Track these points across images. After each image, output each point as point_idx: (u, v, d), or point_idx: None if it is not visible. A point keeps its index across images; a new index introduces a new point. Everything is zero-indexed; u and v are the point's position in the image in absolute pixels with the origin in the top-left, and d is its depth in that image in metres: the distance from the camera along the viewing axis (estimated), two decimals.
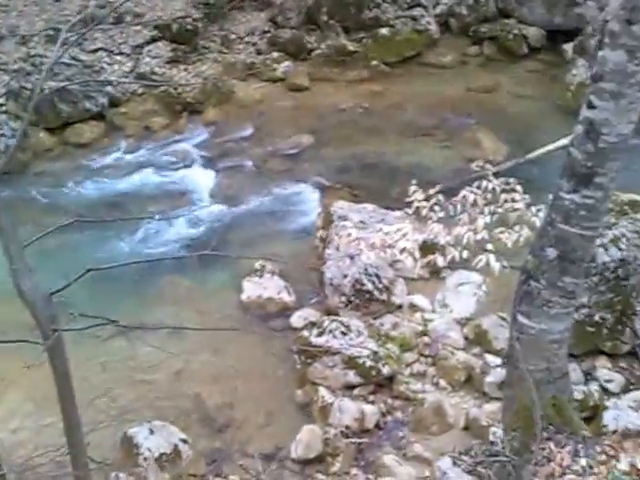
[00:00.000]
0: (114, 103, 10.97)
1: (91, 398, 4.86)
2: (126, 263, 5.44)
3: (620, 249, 6.15)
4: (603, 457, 3.20)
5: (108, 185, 9.63)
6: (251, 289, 7.40)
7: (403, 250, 5.15)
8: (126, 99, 11.06)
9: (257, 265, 7.58)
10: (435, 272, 7.27)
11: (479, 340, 6.45)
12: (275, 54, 12.19)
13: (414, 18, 12.54)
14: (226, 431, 6.17)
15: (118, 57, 11.66)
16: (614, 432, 4.81)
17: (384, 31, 12.37)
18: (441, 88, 11.47)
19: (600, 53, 3.28)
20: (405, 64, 12.25)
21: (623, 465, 3.05)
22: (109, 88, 10.90)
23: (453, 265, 6.45)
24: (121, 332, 6.00)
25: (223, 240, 8.31)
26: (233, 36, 12.55)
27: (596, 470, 3.10)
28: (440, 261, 5.39)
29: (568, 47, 11.70)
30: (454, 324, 6.64)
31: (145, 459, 5.62)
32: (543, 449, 3.35)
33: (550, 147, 8.81)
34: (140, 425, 5.83)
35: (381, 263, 6.88)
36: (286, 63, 12.00)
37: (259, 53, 12.35)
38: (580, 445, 3.35)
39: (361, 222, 7.58)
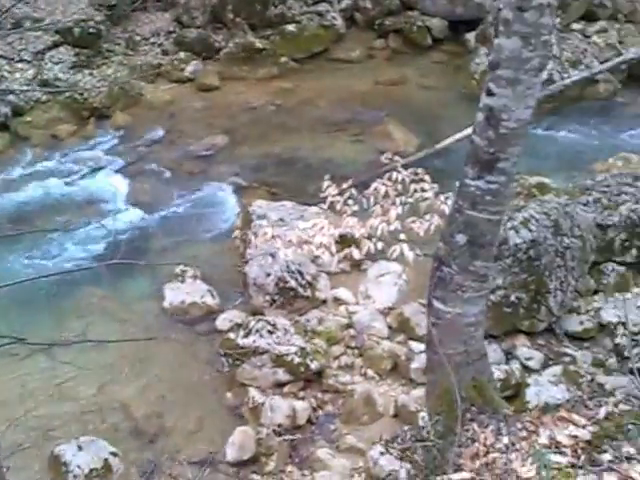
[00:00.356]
0: (18, 112, 10.54)
1: (11, 419, 4.68)
2: (34, 277, 5.26)
3: (530, 230, 6.39)
4: (524, 433, 3.33)
5: (14, 198, 9.24)
6: (173, 295, 7.28)
7: (320, 245, 5.19)
8: (30, 107, 10.64)
9: (178, 270, 7.46)
10: (356, 265, 7.36)
11: (402, 328, 6.58)
12: (182, 54, 12.02)
13: (320, 14, 12.64)
14: (157, 441, 6.05)
15: (19, 64, 11.20)
16: (536, 408, 4.99)
17: (291, 27, 12.41)
18: (350, 82, 11.61)
19: (496, 41, 3.38)
20: (314, 60, 12.34)
21: (543, 439, 3.18)
22: (11, 97, 10.47)
23: (372, 256, 6.57)
24: (41, 349, 5.81)
25: (141, 247, 8.13)
26: (138, 38, 12.28)
27: (518, 446, 3.22)
28: (356, 254, 5.50)
29: (470, 36, 12.08)
30: (378, 314, 6.74)
31: (75, 476, 5.45)
32: (467, 430, 3.45)
33: (458, 136, 9.06)
34: (67, 442, 5.65)
35: (303, 259, 6.91)
36: (194, 63, 11.86)
37: (166, 54, 12.14)
38: (502, 423, 3.47)
39: (281, 220, 7.59)
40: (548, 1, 3.11)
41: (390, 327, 6.67)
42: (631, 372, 5.75)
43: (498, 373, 5.85)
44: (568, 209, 6.74)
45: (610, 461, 2.90)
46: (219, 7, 12.43)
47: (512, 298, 6.30)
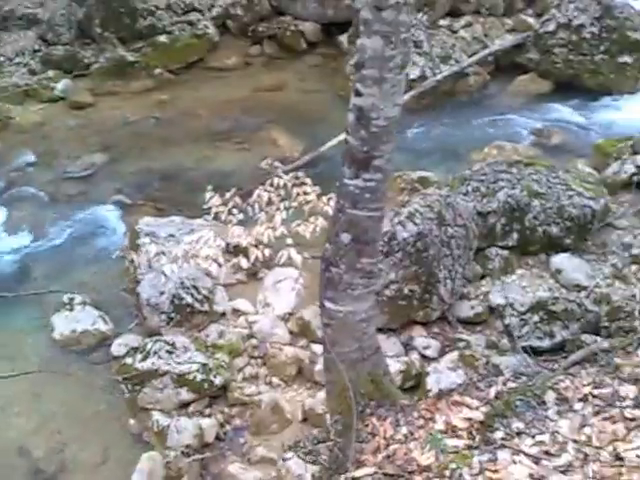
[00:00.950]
0: None
1: None
2: None
3: (416, 224, 6.57)
4: (421, 421, 3.44)
5: None
6: (62, 325, 6.96)
7: (207, 258, 5.12)
8: None
9: (65, 299, 7.14)
10: (253, 274, 7.33)
11: (304, 332, 6.60)
12: (51, 73, 11.53)
13: (191, 23, 12.49)
14: (59, 479, 5.77)
15: None
16: (432, 394, 5.15)
17: (163, 38, 12.19)
18: (229, 91, 11.54)
19: (359, 41, 3.45)
20: (190, 70, 12.18)
21: (440, 425, 3.29)
22: None
23: (267, 264, 6.55)
24: None
25: (22, 277, 7.73)
26: (1, 58, 11.67)
27: (416, 435, 3.32)
28: (244, 263, 5.46)
29: (343, 39, 12.29)
30: (278, 321, 6.73)
31: None
32: (367, 425, 3.52)
33: (340, 137, 9.19)
34: None
35: (199, 274, 6.79)
36: (64, 81, 11.40)
37: (33, 73, 11.61)
38: (400, 414, 3.57)
39: (171, 235, 7.43)
40: (405, 0, 3.20)
41: (291, 332, 6.67)
42: (524, 350, 6.08)
43: (399, 365, 6.00)
44: (450, 200, 6.98)
45: (502, 438, 3.03)
46: (85, 22, 12.02)
47: (405, 291, 6.45)
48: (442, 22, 12.46)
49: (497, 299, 6.68)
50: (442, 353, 6.30)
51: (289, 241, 5.27)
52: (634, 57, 10.94)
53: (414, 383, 5.95)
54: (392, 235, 6.54)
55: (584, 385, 3.03)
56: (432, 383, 5.73)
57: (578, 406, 2.93)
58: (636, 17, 11.15)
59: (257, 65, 12.54)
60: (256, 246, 5.22)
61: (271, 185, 5.41)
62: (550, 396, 3.03)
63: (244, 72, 12.30)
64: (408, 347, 6.40)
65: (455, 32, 12.38)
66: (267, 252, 5.22)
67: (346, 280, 3.75)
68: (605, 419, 2.73)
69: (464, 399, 3.47)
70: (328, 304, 3.88)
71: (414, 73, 11.25)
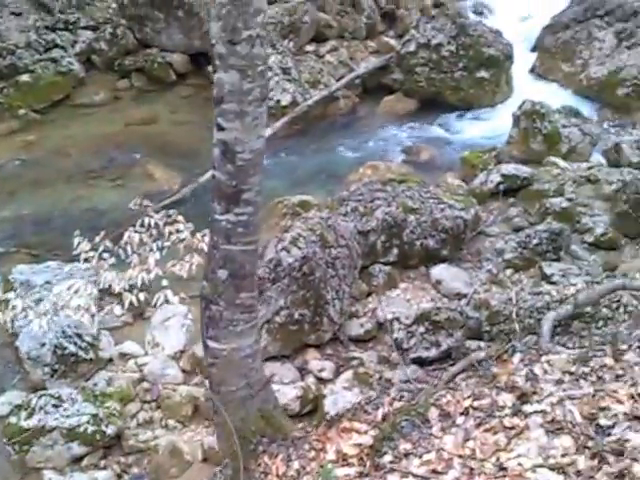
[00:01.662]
0: None
1: None
2: None
3: (300, 248, 6.64)
4: (312, 453, 3.43)
5: None
6: None
7: (77, 308, 4.91)
8: None
9: None
10: (139, 314, 7.13)
11: (197, 369, 6.48)
12: None
13: (54, 60, 12.09)
14: None
15: None
16: (327, 424, 5.18)
17: (25, 77, 11.73)
18: (100, 127, 11.25)
19: (216, 76, 3.45)
20: (56, 108, 11.77)
21: (331, 454, 3.30)
22: None
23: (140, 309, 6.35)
24: None
25: None
26: None
27: (308, 468, 3.31)
28: (117, 310, 5.26)
29: (211, 69, 12.28)
30: (169, 361, 6.58)
31: None
32: (259, 465, 3.48)
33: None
34: None
35: (81, 320, 6.51)
36: None
37: None
38: (291, 449, 3.55)
39: (47, 282, 7.11)
40: (257, 32, 3.22)
41: (184, 371, 6.53)
42: (414, 362, 6.26)
43: (296, 391, 6.02)
44: (330, 222, 7.11)
45: (391, 462, 3.07)
46: None
47: (296, 316, 6.49)
48: (308, 48, 12.75)
49: (384, 314, 6.84)
50: (337, 374, 6.37)
51: (165, 282, 5.14)
52: (490, 72, 11.64)
53: (312, 407, 5.98)
54: (277, 261, 6.58)
55: (464, 398, 3.12)
56: (329, 405, 5.77)
57: (460, 420, 2.99)
58: (489, 34, 11.89)
59: (127, 99, 12.30)
60: (130, 291, 5.04)
61: (142, 225, 5.25)
62: (433, 413, 3.10)
63: (114, 107, 12.03)
64: (303, 371, 6.43)
65: (322, 57, 12.71)
66: (142, 296, 5.05)
67: (227, 317, 3.71)
68: (486, 430, 2.82)
69: (353, 424, 3.50)
70: (211, 343, 3.82)
71: (285, 99, 11.44)
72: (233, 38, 3.24)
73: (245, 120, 3.37)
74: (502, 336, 5.99)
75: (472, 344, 6.17)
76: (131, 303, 5.07)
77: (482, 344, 6.09)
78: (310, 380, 6.30)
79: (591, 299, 5.17)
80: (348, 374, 6.23)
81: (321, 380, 6.33)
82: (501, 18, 13.87)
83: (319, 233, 6.86)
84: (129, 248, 5.20)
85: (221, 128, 3.46)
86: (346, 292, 6.88)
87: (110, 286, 5.34)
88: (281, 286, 6.51)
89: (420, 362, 6.31)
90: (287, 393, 5.95)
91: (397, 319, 6.67)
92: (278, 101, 11.40)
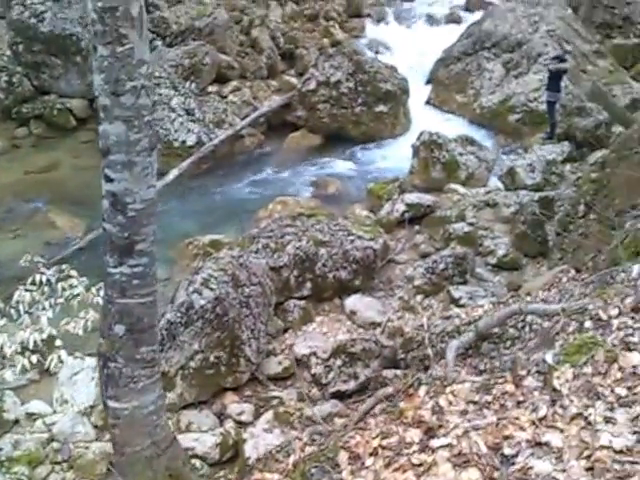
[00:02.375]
0: None
1: None
2: None
3: (212, 289, 6.55)
4: None
5: None
6: None
7: None
8: None
9: None
10: (45, 370, 6.79)
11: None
12: None
13: None
14: None
15: None
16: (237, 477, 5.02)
17: None
18: None
19: (100, 127, 3.37)
20: None
21: None
22: None
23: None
24: None
25: None
26: None
27: None
28: (9, 375, 4.92)
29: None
30: (80, 417, 6.27)
31: None
32: None
33: None
34: None
35: None
36: None
37: None
38: None
39: None
40: (142, 83, 3.17)
41: (96, 427, 6.24)
42: (333, 396, 6.23)
43: (214, 438, 5.87)
44: (242, 260, 7.07)
45: None
46: None
47: (211, 359, 6.37)
48: (211, 89, 12.80)
49: (301, 350, 6.82)
50: (257, 415, 6.25)
51: (59, 342, 4.88)
52: (389, 106, 12.03)
53: (232, 453, 5.83)
54: (189, 304, 6.46)
55: (373, 437, 3.08)
56: (250, 449, 5.64)
57: (369, 461, 2.92)
58: (385, 70, 12.30)
59: (26, 147, 11.94)
60: (22, 353, 4.74)
61: (33, 283, 4.97)
62: (343, 456, 3.03)
63: (12, 155, 11.64)
64: (222, 416, 6.28)
65: (225, 97, 12.78)
66: (35, 358, 4.75)
67: (127, 374, 3.51)
68: (395, 470, 2.77)
69: (264, 475, 3.40)
70: (111, 403, 3.62)
71: (190, 140, 11.42)
72: (117, 90, 3.17)
73: (134, 170, 3.28)
74: (417, 362, 6.08)
75: (388, 373, 6.23)
76: (23, 367, 4.74)
77: (398, 372, 6.16)
78: (229, 425, 6.14)
79: (491, 325, 5.33)
80: (268, 415, 6.13)
81: (241, 424, 6.18)
82: (396, 54, 14.42)
83: (231, 273, 6.80)
84: (20, 307, 4.89)
85: (109, 179, 3.35)
86: (262, 330, 6.82)
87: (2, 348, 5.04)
88: (194, 329, 6.39)
89: (340, 396, 6.31)
90: (206, 441, 5.80)
91: (314, 354, 6.66)
92: (183, 142, 11.37)
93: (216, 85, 12.93)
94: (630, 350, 2.96)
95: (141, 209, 3.32)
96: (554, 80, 10.81)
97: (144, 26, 3.16)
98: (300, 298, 7.52)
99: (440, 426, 2.94)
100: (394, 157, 11.43)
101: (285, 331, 7.26)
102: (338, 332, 7.14)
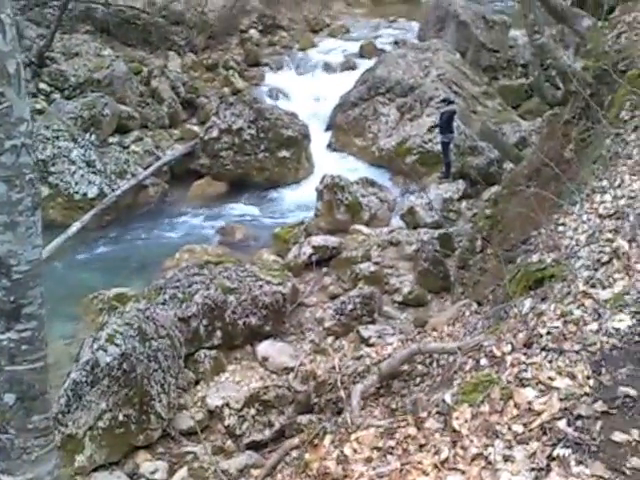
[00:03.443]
0: None
1: None
2: None
3: (118, 345, 6.38)
4: None
5: None
6: None
7: None
8: None
9: None
10: None
11: None
12: None
13: None
14: None
15: None
16: None
17: None
18: None
19: None
20: None
21: None
22: None
23: None
24: None
25: None
26: None
27: None
28: None
29: None
30: None
31: None
32: None
33: None
34: None
35: None
36: None
37: None
38: None
39: None
40: (22, 141, 3.13)
41: None
42: (248, 447, 6.15)
43: None
44: (149, 313, 6.94)
45: None
46: None
47: (120, 417, 6.18)
48: (112, 139, 12.63)
49: (214, 401, 6.73)
50: (172, 472, 6.09)
51: None
52: (291, 151, 12.25)
53: None
54: (95, 362, 6.26)
55: None
56: None
57: None
58: (286, 116, 12.55)
59: None
60: None
61: None
62: None
63: None
64: (135, 476, 6.08)
65: (127, 147, 12.63)
66: None
67: (19, 445, 3.34)
68: None
69: None
70: (4, 477, 3.45)
71: (92, 192, 11.21)
72: None
73: (17, 231, 3.18)
74: (330, 405, 6.12)
75: (303, 418, 6.23)
76: None
77: (313, 417, 6.17)
78: None
79: (393, 367, 5.46)
80: (183, 471, 5.99)
81: None
82: (295, 101, 14.75)
83: (137, 326, 6.65)
84: None
85: None
86: (172, 384, 6.68)
87: None
88: (101, 388, 6.19)
89: (255, 446, 6.25)
90: None
91: (227, 404, 6.59)
92: (85, 194, 11.14)
93: (117, 136, 12.77)
94: (524, 386, 3.06)
95: (26, 271, 3.21)
96: (446, 122, 11.35)
97: (22, 83, 3.12)
98: (211, 348, 7.44)
99: (345, 476, 2.95)
100: (299, 201, 11.60)
101: (197, 383, 7.13)
102: (251, 380, 7.09)
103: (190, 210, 11.67)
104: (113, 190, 11.35)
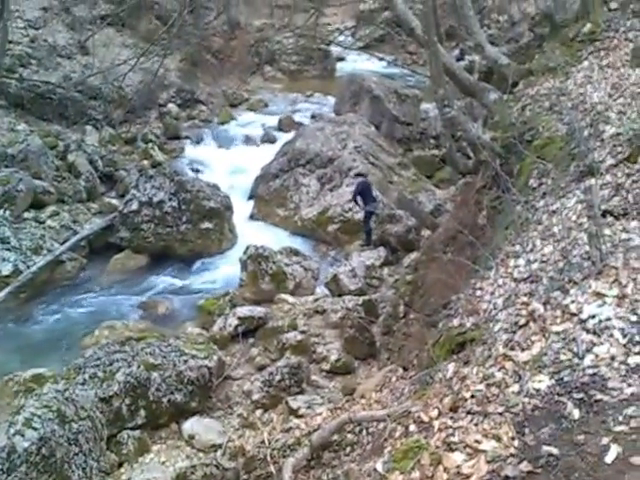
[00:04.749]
0: None
1: None
2: None
3: (36, 429, 6.11)
4: None
5: None
6: None
7: None
8: None
9: None
10: None
11: None
12: None
13: None
14: None
15: None
16: None
17: None
18: None
19: None
20: None
21: None
22: None
23: None
24: None
25: None
26: None
27: None
28: None
29: None
30: None
31: None
32: None
33: None
34: None
35: None
36: None
37: None
38: None
39: None
40: None
41: None
42: None
43: None
44: (68, 394, 6.69)
45: None
46: None
47: None
48: (27, 215, 12.29)
49: None
50: None
51: None
52: (213, 222, 12.24)
53: None
54: (11, 448, 5.95)
55: None
56: None
57: None
58: (207, 188, 12.59)
59: None
60: None
61: None
62: None
63: None
64: None
65: (42, 223, 12.32)
66: None
67: None
68: None
69: None
70: None
71: (6, 269, 10.82)
72: None
73: None
74: None
75: None
76: None
77: None
78: None
79: (324, 438, 5.46)
80: None
81: None
82: (216, 173, 14.87)
83: (56, 409, 6.38)
84: None
85: None
86: (94, 468, 6.40)
87: None
88: (19, 475, 5.86)
89: None
90: None
91: None
92: None
93: (33, 211, 12.45)
94: (452, 450, 3.12)
95: None
96: (366, 193, 11.69)
97: None
98: (134, 428, 7.19)
99: None
100: (223, 272, 11.55)
101: (120, 465, 6.86)
102: (177, 460, 6.88)
103: (110, 285, 11.39)
104: (28, 267, 11.00)
